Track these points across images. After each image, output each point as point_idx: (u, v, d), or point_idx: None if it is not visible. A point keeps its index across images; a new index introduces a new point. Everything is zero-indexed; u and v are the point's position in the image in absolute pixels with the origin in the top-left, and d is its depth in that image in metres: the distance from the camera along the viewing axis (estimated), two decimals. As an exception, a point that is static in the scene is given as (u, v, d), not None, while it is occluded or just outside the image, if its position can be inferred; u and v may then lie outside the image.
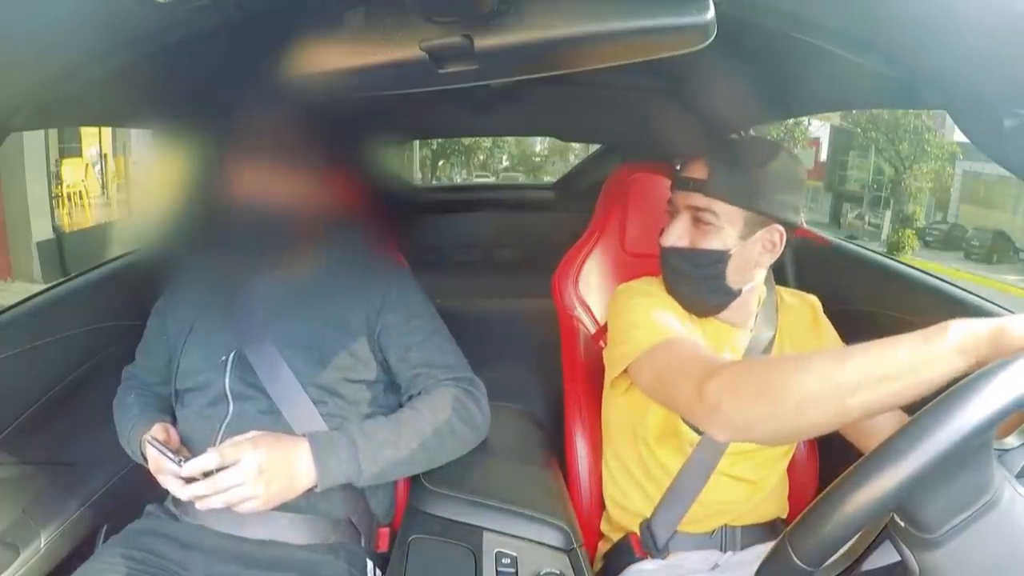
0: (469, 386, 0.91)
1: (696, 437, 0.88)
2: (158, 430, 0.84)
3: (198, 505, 0.77)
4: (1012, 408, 0.42)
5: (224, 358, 0.86)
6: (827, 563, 0.48)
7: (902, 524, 0.47)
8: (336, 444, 0.80)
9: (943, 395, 0.44)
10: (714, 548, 0.90)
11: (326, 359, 0.86)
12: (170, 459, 0.76)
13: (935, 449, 0.42)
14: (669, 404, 0.77)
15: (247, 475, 0.74)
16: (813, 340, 0.95)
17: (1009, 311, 0.91)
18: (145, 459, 0.86)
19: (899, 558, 0.48)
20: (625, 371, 0.83)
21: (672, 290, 0.89)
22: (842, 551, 0.51)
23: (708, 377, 0.66)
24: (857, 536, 0.50)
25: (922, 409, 0.44)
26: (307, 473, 0.78)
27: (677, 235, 0.86)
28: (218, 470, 0.75)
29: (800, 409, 0.58)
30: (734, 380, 0.64)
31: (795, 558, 0.46)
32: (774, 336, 0.93)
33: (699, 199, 0.84)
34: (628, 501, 0.95)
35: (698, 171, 0.84)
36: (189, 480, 0.76)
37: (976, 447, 0.44)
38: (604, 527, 1.00)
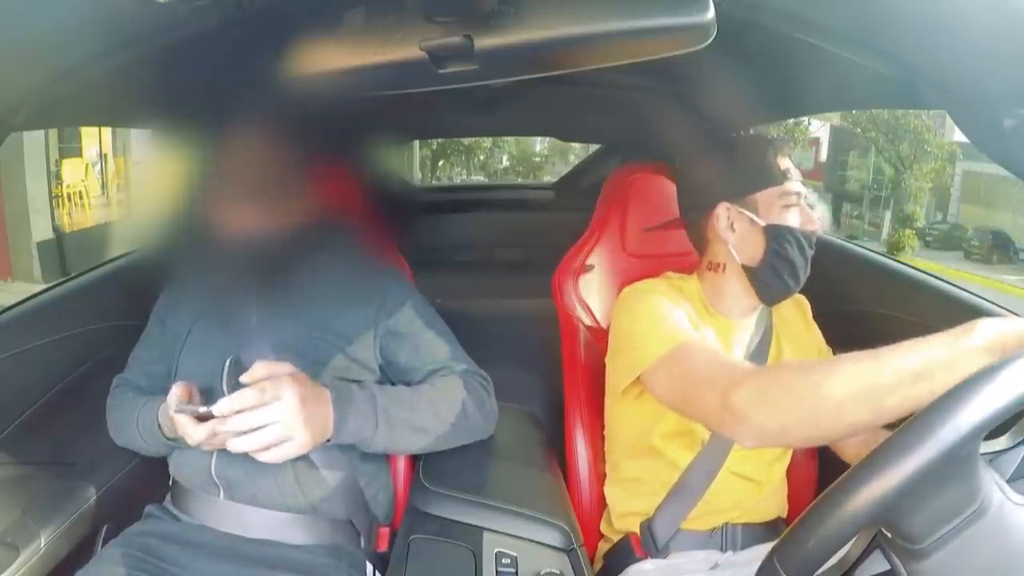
0: (480, 378, 0.92)
1: (708, 433, 0.88)
2: (177, 388, 0.78)
3: (230, 445, 0.70)
4: (996, 419, 0.42)
5: (222, 363, 0.86)
6: (817, 573, 0.48)
7: (889, 535, 0.47)
8: (356, 396, 0.80)
9: (926, 408, 0.44)
10: (714, 548, 0.90)
11: (320, 362, 0.86)
12: (199, 413, 0.71)
13: (916, 465, 0.42)
14: (690, 414, 0.77)
15: (289, 413, 0.70)
16: (808, 341, 0.95)
17: (1010, 311, 0.91)
18: (161, 429, 0.84)
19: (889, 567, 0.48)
20: (637, 379, 0.83)
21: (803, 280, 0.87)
22: (833, 561, 0.50)
23: (734, 386, 0.65)
24: (848, 546, 0.50)
25: (904, 423, 0.44)
26: (328, 422, 0.76)
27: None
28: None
29: (839, 412, 0.57)
30: (763, 388, 0.64)
31: (783, 573, 0.46)
32: (771, 332, 0.93)
33: None
34: (631, 503, 0.94)
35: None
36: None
37: (962, 458, 0.43)
38: (604, 527, 1.00)
